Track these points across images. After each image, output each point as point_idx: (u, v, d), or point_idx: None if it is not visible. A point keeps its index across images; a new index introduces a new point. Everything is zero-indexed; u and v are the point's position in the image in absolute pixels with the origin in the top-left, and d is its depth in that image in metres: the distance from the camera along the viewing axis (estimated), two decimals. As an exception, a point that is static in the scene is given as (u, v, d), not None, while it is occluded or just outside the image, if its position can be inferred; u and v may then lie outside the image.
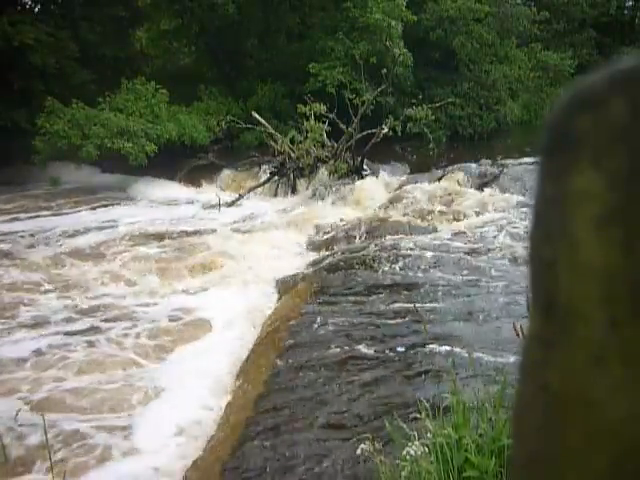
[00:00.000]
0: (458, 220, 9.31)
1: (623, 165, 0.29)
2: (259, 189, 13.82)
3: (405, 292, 5.68)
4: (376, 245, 8.17)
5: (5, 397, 4.49)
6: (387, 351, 4.35)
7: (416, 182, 12.32)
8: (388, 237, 8.68)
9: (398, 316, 5.04)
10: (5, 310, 6.35)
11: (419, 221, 9.52)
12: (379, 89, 14.56)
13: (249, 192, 13.46)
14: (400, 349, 4.34)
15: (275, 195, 13.73)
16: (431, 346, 4.31)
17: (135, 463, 3.66)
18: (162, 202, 13.47)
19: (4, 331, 5.81)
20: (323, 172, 13.59)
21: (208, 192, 14.05)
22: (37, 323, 5.99)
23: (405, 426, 2.31)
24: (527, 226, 0.34)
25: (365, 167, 13.62)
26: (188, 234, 9.62)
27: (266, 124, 14.44)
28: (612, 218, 0.29)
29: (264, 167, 14.64)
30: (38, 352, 5.27)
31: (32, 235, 10.06)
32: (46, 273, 7.66)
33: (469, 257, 7.39)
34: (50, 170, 15.02)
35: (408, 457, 2.10)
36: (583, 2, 23.54)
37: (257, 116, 14.53)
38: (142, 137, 14.22)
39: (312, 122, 12.89)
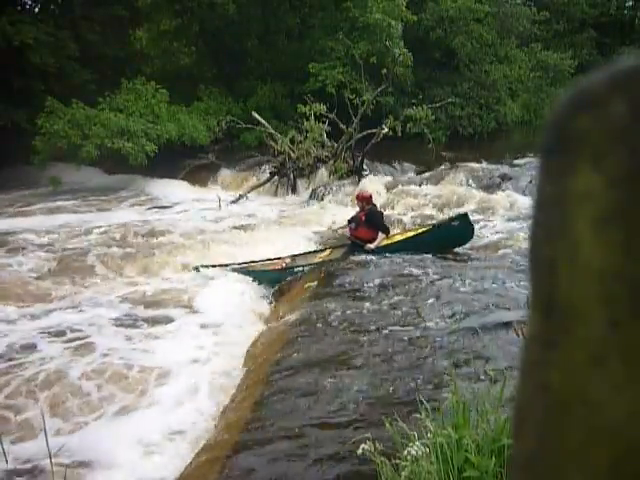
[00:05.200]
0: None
1: (623, 165, 0.29)
2: (259, 189, 13.83)
3: (406, 291, 5.68)
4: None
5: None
6: (388, 350, 4.35)
7: (416, 182, 12.32)
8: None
9: (398, 313, 5.05)
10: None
11: (419, 221, 9.52)
12: (379, 89, 14.56)
13: (249, 192, 13.47)
14: (400, 348, 4.34)
15: (275, 195, 13.74)
16: (432, 345, 4.31)
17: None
18: (162, 202, 13.45)
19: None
20: (323, 172, 13.60)
21: (208, 192, 14.05)
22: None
23: (405, 426, 2.31)
24: (527, 226, 0.34)
25: (365, 167, 13.62)
26: (188, 233, 9.61)
27: (266, 124, 14.44)
28: (612, 218, 0.29)
29: (264, 167, 14.65)
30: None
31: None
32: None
33: (470, 256, 7.40)
34: (50, 170, 15.00)
35: (408, 457, 2.10)
36: (583, 2, 23.55)
37: (257, 116, 14.53)
38: (142, 137, 14.22)
39: (312, 122, 12.89)
